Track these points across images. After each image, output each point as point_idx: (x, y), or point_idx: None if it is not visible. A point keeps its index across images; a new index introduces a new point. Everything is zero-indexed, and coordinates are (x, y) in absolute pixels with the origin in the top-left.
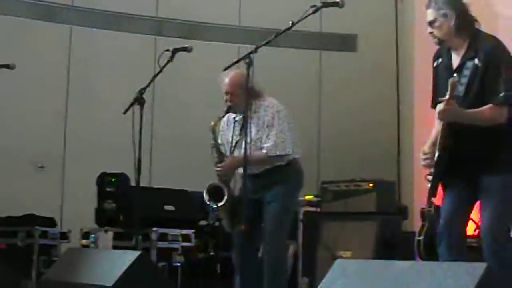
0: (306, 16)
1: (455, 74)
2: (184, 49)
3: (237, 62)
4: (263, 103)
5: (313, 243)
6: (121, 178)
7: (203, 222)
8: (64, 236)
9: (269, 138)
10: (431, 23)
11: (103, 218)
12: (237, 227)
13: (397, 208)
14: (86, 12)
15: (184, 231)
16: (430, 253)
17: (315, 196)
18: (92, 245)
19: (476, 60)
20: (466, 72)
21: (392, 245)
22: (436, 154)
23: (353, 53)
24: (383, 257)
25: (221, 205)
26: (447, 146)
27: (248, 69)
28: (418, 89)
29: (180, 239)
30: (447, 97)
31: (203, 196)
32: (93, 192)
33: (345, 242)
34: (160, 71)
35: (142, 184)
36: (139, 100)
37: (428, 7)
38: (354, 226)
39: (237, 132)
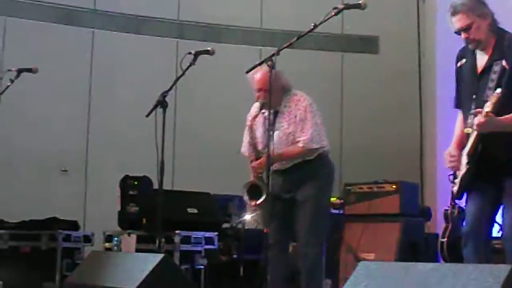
0: (328, 18)
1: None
2: (206, 52)
3: (259, 64)
4: (294, 97)
5: (336, 245)
6: (144, 181)
7: (226, 225)
8: (87, 239)
9: (304, 131)
10: (466, 29)
11: (126, 221)
12: (272, 224)
13: (420, 209)
14: (108, 15)
15: (207, 234)
16: (453, 255)
17: (338, 198)
18: (115, 248)
19: (504, 62)
20: (494, 76)
21: (416, 247)
22: (466, 159)
23: (375, 55)
24: (406, 259)
25: (261, 202)
26: (477, 151)
27: (270, 71)
28: (440, 91)
29: (203, 242)
30: (488, 109)
31: (226, 199)
32: (116, 195)
33: (368, 244)
34: (183, 74)
35: (165, 187)
36: (161, 103)
37: (456, 13)
38: (377, 228)
39: (269, 128)
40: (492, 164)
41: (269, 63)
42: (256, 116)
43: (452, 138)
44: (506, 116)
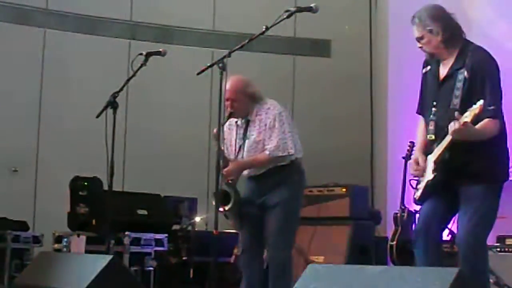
0: (280, 21)
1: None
2: (158, 53)
3: (210, 66)
4: (265, 106)
5: None
6: (94, 182)
7: (176, 227)
8: (36, 240)
9: (271, 139)
10: (419, 40)
11: (75, 222)
12: (244, 228)
13: (370, 213)
14: (60, 15)
15: (157, 236)
16: (402, 258)
17: None
18: (65, 249)
19: (465, 72)
20: (459, 85)
21: (365, 250)
22: (431, 167)
23: (327, 59)
24: (356, 262)
25: (229, 209)
26: (445, 159)
27: (221, 73)
28: (391, 95)
29: (153, 243)
30: (467, 119)
31: (176, 201)
32: (66, 196)
33: (318, 247)
34: (134, 75)
35: (115, 188)
36: (112, 104)
37: (413, 23)
38: (327, 231)
39: (240, 136)
40: (452, 171)
41: (221, 65)
42: (222, 125)
43: (402, 142)
44: (478, 125)
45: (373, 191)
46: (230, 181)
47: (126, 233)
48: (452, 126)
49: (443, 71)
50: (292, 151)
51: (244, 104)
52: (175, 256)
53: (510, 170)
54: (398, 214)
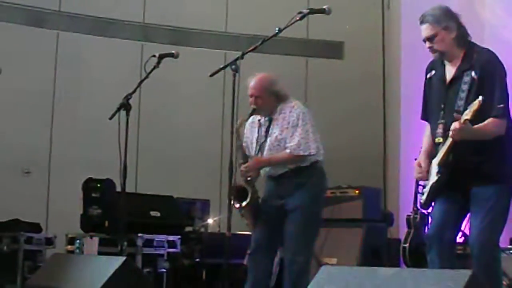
0: (293, 23)
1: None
2: (171, 55)
3: (223, 68)
4: (289, 104)
5: None
6: (107, 183)
7: (189, 229)
8: (49, 241)
9: (293, 138)
10: (431, 39)
11: (88, 224)
12: (259, 228)
13: (383, 215)
14: (73, 17)
15: (170, 237)
16: (415, 260)
17: None
18: (78, 251)
19: (473, 73)
20: (465, 87)
21: (378, 252)
22: (436, 169)
23: (339, 61)
24: (368, 263)
25: (245, 205)
26: (449, 161)
27: (234, 75)
28: (404, 97)
29: (166, 245)
30: (467, 116)
31: (189, 203)
32: (79, 198)
33: (330, 248)
34: (146, 77)
35: (128, 190)
36: (125, 106)
37: (423, 22)
38: (340, 233)
39: (262, 134)
40: (461, 172)
41: (233, 67)
42: (245, 120)
43: (415, 144)
44: (481, 124)
45: (385, 193)
46: (248, 178)
47: (139, 234)
48: (452, 127)
49: (450, 73)
50: (313, 152)
51: (268, 101)
52: (187, 258)
53: None
54: (411, 216)
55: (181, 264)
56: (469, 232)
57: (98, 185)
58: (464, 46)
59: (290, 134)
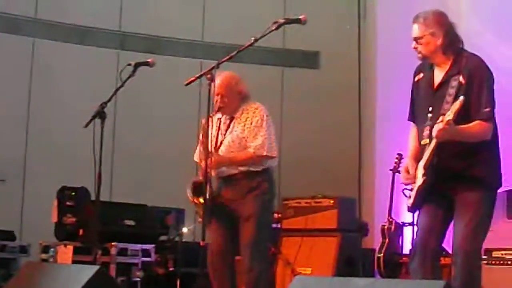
0: (269, 32)
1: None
2: (146, 63)
3: (199, 77)
4: (253, 105)
5: (274, 259)
6: (81, 192)
7: (163, 237)
8: (23, 249)
9: (257, 138)
10: (417, 39)
11: (63, 232)
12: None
13: (358, 225)
14: (49, 25)
15: (144, 246)
16: (389, 270)
17: (276, 212)
18: (52, 259)
19: (461, 77)
20: (452, 91)
21: (353, 262)
22: (422, 171)
23: (315, 70)
24: (343, 273)
25: (203, 201)
26: (433, 163)
27: (209, 84)
28: (380, 106)
29: (140, 254)
30: (449, 117)
31: (163, 211)
32: (53, 206)
33: (305, 258)
34: (122, 85)
35: (102, 199)
36: (100, 114)
37: (414, 21)
38: (315, 243)
39: (223, 132)
40: (446, 176)
41: (209, 76)
42: (210, 117)
43: (390, 154)
44: (466, 125)
45: (360, 203)
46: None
47: (113, 243)
48: (436, 128)
49: (438, 77)
50: (275, 154)
51: (233, 100)
52: (162, 267)
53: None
54: (386, 226)
55: (155, 273)
56: (453, 238)
57: (73, 193)
58: (453, 53)
59: (253, 134)
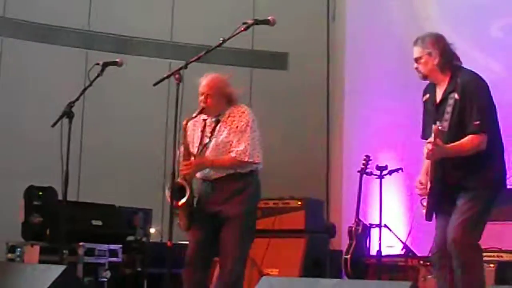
0: (238, 33)
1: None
2: (115, 63)
3: (167, 77)
4: (239, 109)
5: None
6: (49, 192)
7: (130, 238)
8: None
9: (240, 143)
10: (417, 60)
11: (29, 232)
12: (193, 237)
13: (325, 226)
14: (17, 24)
15: (112, 247)
16: (356, 272)
17: None
18: (18, 259)
19: (456, 95)
20: (449, 109)
21: (320, 263)
22: (429, 186)
23: (284, 71)
24: (310, 275)
25: (182, 204)
26: (437, 177)
27: (178, 85)
28: (348, 109)
29: (107, 254)
30: (431, 140)
31: (131, 212)
32: (20, 206)
33: (272, 259)
34: (90, 85)
35: (69, 199)
36: (68, 113)
37: (415, 44)
38: (282, 244)
39: (207, 134)
40: (452, 187)
41: (177, 76)
42: (192, 118)
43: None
44: (452, 144)
45: (328, 205)
46: (187, 177)
47: (80, 243)
48: (424, 150)
49: (439, 95)
50: (257, 160)
51: (218, 102)
52: (129, 267)
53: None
54: (353, 228)
55: (123, 273)
56: (447, 232)
57: (40, 193)
58: (450, 71)
59: (236, 138)
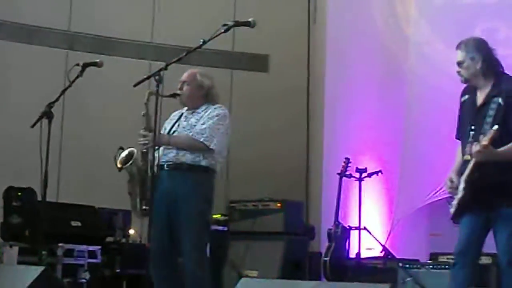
0: (218, 35)
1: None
2: (95, 64)
3: (147, 78)
4: (217, 105)
5: (220, 262)
6: (28, 192)
7: (110, 239)
8: None
9: (203, 125)
10: (459, 64)
11: (8, 233)
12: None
13: (305, 228)
14: None
15: (91, 248)
16: (335, 274)
17: (222, 215)
18: None
19: (500, 99)
20: (491, 112)
21: (299, 265)
22: (462, 186)
23: (264, 73)
24: (289, 276)
25: (126, 167)
26: (473, 178)
27: (157, 86)
28: (328, 111)
29: (86, 255)
30: (485, 142)
31: (110, 213)
32: None
33: (251, 261)
34: (70, 85)
35: (49, 199)
36: (47, 114)
37: (458, 48)
38: (261, 246)
39: (183, 125)
40: (487, 190)
41: (157, 77)
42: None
43: (337, 158)
44: (506, 147)
45: (308, 207)
46: (144, 148)
47: (60, 244)
48: (474, 148)
49: (480, 98)
50: (213, 147)
51: (194, 93)
52: (108, 268)
53: None
54: (332, 230)
55: (102, 274)
56: (497, 247)
57: (19, 193)
58: (492, 77)
59: (201, 122)
